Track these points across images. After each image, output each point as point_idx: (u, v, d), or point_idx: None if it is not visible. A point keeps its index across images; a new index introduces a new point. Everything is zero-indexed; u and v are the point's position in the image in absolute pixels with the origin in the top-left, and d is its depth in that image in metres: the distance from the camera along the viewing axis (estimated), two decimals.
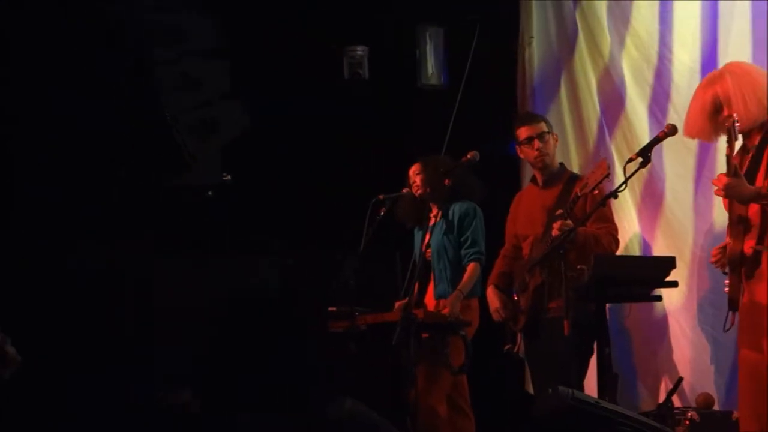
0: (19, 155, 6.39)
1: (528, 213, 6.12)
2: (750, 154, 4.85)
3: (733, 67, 5.02)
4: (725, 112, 4.80)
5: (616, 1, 6.78)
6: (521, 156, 6.15)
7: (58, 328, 5.76)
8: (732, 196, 4.76)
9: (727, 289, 4.82)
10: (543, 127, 6.05)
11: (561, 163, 6.17)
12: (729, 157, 4.72)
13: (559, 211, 5.54)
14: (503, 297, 6.09)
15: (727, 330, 4.86)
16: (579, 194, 5.33)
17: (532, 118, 6.19)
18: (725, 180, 4.71)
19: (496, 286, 6.16)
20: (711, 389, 5.97)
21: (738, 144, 4.78)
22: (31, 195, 6.35)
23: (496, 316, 6.10)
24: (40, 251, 5.97)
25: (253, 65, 7.11)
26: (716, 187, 4.78)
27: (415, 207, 6.37)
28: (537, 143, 5.97)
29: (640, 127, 6.53)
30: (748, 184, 4.69)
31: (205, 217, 6.87)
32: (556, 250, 5.33)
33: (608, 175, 5.15)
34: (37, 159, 6.42)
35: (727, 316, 4.82)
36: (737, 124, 4.70)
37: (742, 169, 4.79)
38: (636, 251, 6.54)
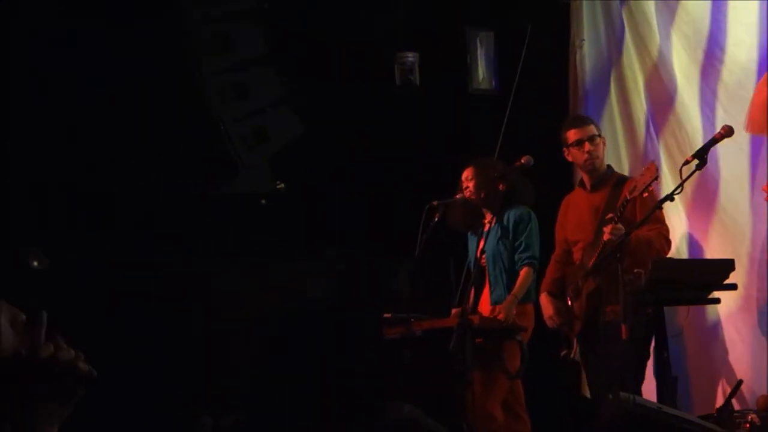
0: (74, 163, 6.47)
1: (577, 217, 6.10)
2: None
3: None
4: None
5: (665, 0, 6.73)
6: (569, 159, 6.12)
7: (113, 334, 5.82)
8: None
9: None
10: (593, 129, 6.03)
11: (609, 165, 6.16)
12: None
13: (610, 215, 5.52)
14: (557, 303, 6.07)
15: None
16: (628, 198, 5.31)
17: (582, 121, 6.17)
18: None
19: (550, 293, 6.14)
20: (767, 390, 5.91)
21: None
22: (81, 203, 6.44)
23: (550, 323, 6.08)
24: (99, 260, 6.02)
25: (304, 73, 7.14)
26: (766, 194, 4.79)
27: (467, 212, 6.35)
28: (588, 146, 5.95)
29: (692, 126, 6.47)
30: None
31: (260, 226, 6.91)
32: (612, 255, 5.31)
33: (657, 177, 5.14)
34: (92, 165, 6.50)
35: None
36: None
37: None
38: (684, 252, 6.48)
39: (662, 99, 6.75)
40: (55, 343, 1.72)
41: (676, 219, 6.52)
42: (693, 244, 6.51)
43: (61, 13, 6.35)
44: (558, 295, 6.13)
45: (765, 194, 5.02)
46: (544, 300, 6.12)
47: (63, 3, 6.42)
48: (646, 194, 5.20)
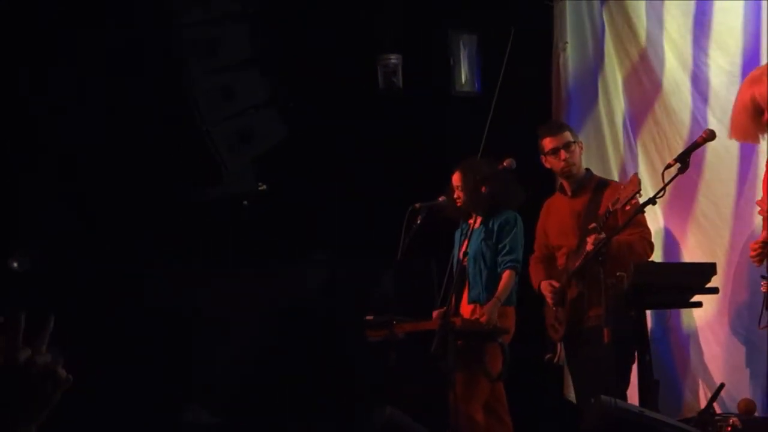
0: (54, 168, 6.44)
1: (559, 223, 6.11)
2: None
3: None
4: (766, 115, 4.81)
5: (650, 1, 6.74)
6: (547, 166, 6.14)
7: (101, 339, 5.80)
8: None
9: (763, 288, 4.83)
10: (568, 136, 6.05)
11: (587, 169, 6.17)
12: None
13: (592, 225, 5.52)
14: (555, 284, 6.01)
15: (763, 328, 4.87)
16: (611, 210, 5.33)
17: (557, 128, 6.19)
18: None
19: (546, 278, 6.09)
20: (748, 394, 5.93)
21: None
22: (60, 212, 6.40)
23: (551, 301, 6.00)
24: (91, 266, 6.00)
25: (287, 75, 7.13)
26: (760, 208, 4.82)
27: (457, 212, 6.38)
28: (563, 154, 5.98)
29: (675, 132, 6.46)
30: None
31: (242, 229, 6.89)
32: (594, 259, 5.33)
33: (640, 191, 5.14)
34: (73, 173, 6.47)
35: (761, 314, 4.84)
36: None
37: None
38: (659, 253, 6.48)
39: (641, 100, 6.76)
40: (33, 348, 1.72)
41: (653, 220, 6.53)
42: (669, 245, 6.51)
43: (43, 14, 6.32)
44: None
45: (758, 208, 5.05)
46: (545, 285, 6.05)
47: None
48: (628, 207, 5.21)
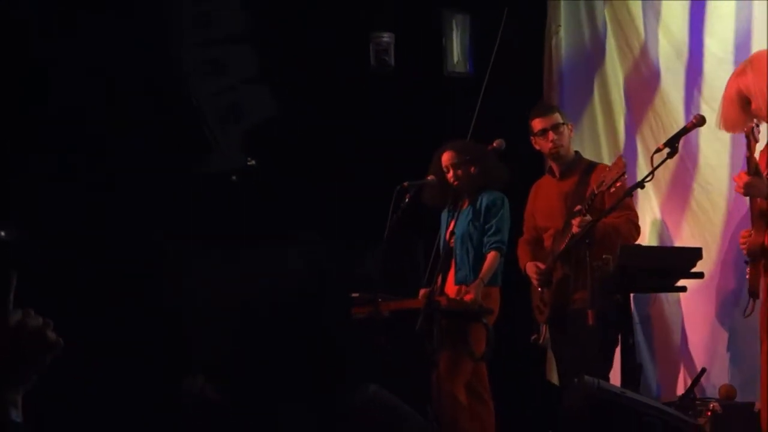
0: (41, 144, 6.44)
1: (547, 204, 6.12)
2: None
3: (757, 59, 5.06)
4: (753, 105, 4.86)
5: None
6: (536, 147, 6.14)
7: (84, 315, 5.80)
8: (752, 194, 4.83)
9: (747, 275, 4.88)
10: (557, 118, 6.06)
11: (576, 152, 6.19)
12: (749, 158, 4.80)
13: (578, 207, 5.54)
14: (541, 265, 6.03)
15: (747, 316, 4.92)
16: (596, 192, 5.34)
17: (546, 110, 6.19)
18: (745, 178, 4.79)
19: (532, 260, 6.11)
20: (728, 379, 5.97)
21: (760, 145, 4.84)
22: (55, 187, 6.40)
23: (537, 282, 6.03)
24: (74, 240, 6.00)
25: (278, 51, 7.12)
26: (737, 185, 4.86)
27: (441, 192, 6.36)
28: (551, 135, 5.99)
29: (672, 121, 6.46)
30: (765, 183, 4.76)
31: (230, 206, 6.89)
32: (580, 242, 5.35)
33: (624, 173, 5.15)
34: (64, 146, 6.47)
35: (747, 303, 4.89)
36: (757, 128, 4.78)
37: None
38: (654, 242, 6.52)
39: (642, 93, 6.75)
40: (23, 310, 1.73)
41: (648, 206, 6.55)
42: (664, 233, 6.54)
43: None
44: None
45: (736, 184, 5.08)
46: (530, 266, 6.07)
47: None
48: (613, 189, 5.21)
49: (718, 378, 5.99)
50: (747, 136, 4.83)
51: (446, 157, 6.24)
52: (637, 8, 6.77)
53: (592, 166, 6.01)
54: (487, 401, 6.23)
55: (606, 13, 7.00)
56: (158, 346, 5.75)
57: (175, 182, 6.77)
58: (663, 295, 6.43)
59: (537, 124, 6.05)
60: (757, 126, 4.86)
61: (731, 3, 6.07)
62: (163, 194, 6.66)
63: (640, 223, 6.08)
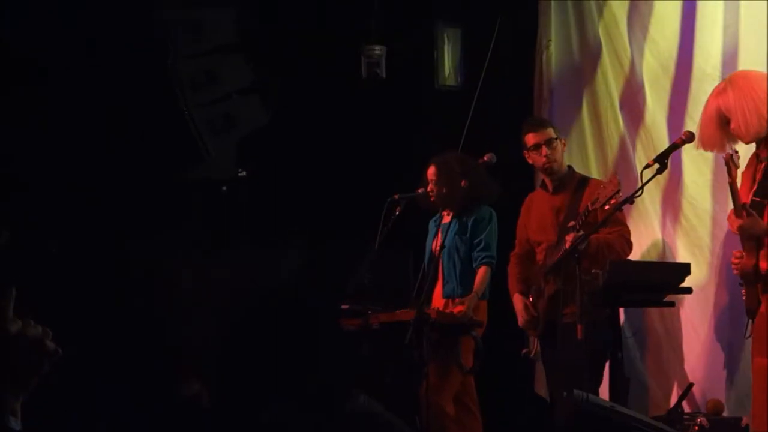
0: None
1: (539, 219, 6.15)
2: (763, 165, 4.92)
3: (737, 78, 5.08)
4: (732, 125, 4.89)
5: (637, 8, 6.75)
6: (529, 161, 6.16)
7: (78, 323, 5.79)
8: (749, 235, 4.85)
9: (744, 296, 4.90)
10: (551, 133, 6.08)
11: (569, 166, 6.21)
12: (732, 185, 4.81)
13: (571, 223, 5.56)
14: (529, 303, 6.10)
15: (748, 338, 4.94)
16: (590, 208, 5.37)
17: (540, 124, 6.21)
18: (737, 222, 4.80)
19: (521, 293, 6.16)
20: (721, 395, 5.99)
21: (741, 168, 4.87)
22: (46, 191, 6.39)
23: (523, 324, 6.10)
24: (71, 246, 5.99)
25: (270, 62, 7.12)
26: (730, 226, 4.90)
27: (434, 205, 6.40)
28: (545, 149, 6.00)
29: (659, 137, 6.49)
30: (760, 222, 4.79)
31: (221, 213, 6.89)
32: (571, 256, 5.37)
33: (619, 191, 5.18)
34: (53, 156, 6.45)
35: (747, 324, 4.90)
36: (736, 154, 4.80)
37: (756, 179, 4.87)
38: (654, 258, 6.52)
39: (633, 109, 6.76)
40: (23, 320, 1.75)
41: (648, 224, 6.54)
42: (666, 251, 6.52)
43: None
44: (527, 294, 6.17)
45: (727, 199, 5.11)
46: (517, 300, 6.13)
47: None
48: (607, 207, 5.24)
49: (712, 392, 6.01)
50: (727, 163, 4.84)
51: (430, 171, 6.29)
52: (623, 25, 6.79)
53: (585, 181, 6.03)
54: (474, 413, 6.25)
55: (600, 32, 7.01)
56: (151, 352, 5.75)
57: (165, 189, 6.77)
58: (656, 309, 6.44)
59: (530, 138, 6.07)
60: (736, 152, 4.87)
61: (719, 20, 6.10)
62: (153, 201, 6.66)
63: (642, 241, 6.10)
